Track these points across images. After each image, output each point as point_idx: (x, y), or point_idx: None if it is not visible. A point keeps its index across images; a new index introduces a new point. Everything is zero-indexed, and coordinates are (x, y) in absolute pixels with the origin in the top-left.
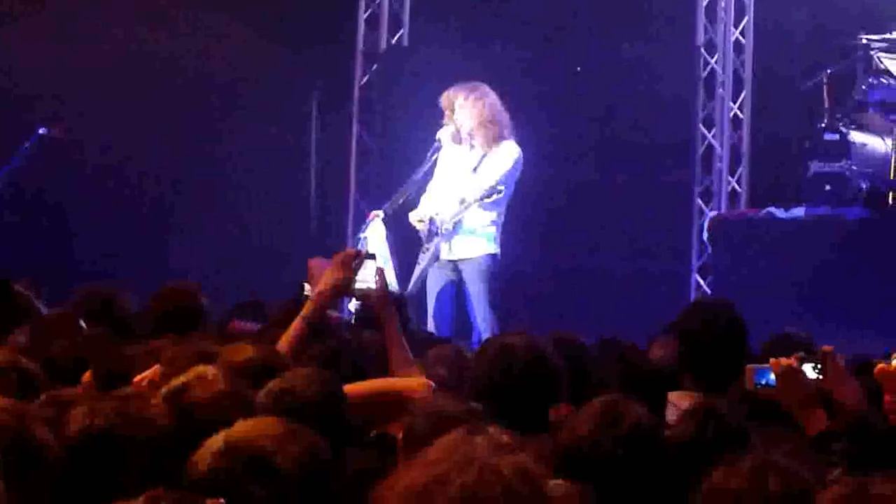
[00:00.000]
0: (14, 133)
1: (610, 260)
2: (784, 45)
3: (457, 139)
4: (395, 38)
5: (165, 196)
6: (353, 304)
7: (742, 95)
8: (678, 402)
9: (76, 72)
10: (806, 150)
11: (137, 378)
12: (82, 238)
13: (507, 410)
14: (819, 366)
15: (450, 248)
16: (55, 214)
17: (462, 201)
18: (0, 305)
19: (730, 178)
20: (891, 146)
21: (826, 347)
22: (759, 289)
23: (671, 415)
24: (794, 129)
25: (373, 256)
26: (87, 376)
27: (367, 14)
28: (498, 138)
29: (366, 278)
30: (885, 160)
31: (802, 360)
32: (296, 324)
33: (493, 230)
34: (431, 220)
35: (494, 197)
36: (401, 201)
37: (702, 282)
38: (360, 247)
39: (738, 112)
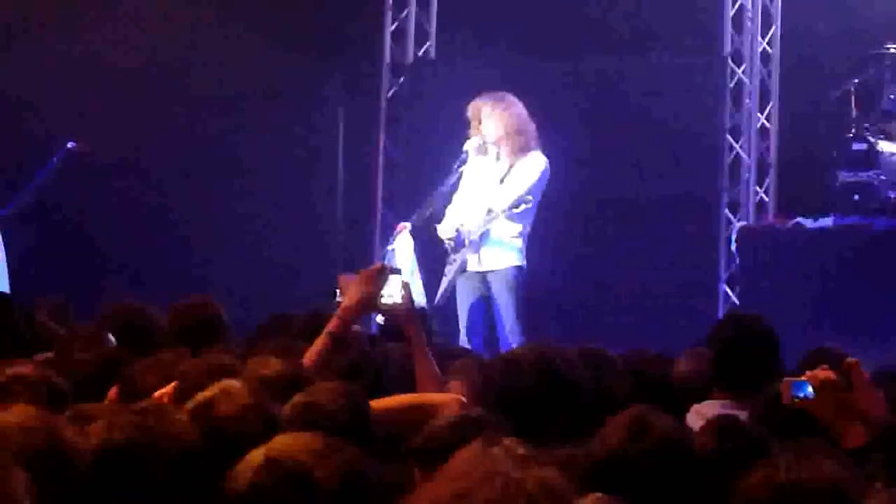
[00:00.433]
0: (39, 148)
1: (637, 271)
2: (811, 54)
3: (483, 150)
4: (422, 50)
5: (192, 209)
6: (379, 317)
7: (769, 105)
8: (707, 411)
9: (104, 88)
10: (833, 159)
11: (156, 394)
12: (108, 252)
13: (518, 422)
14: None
15: (478, 260)
16: (81, 228)
17: (489, 212)
18: (8, 327)
19: (757, 189)
20: None
21: (851, 360)
22: (787, 299)
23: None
24: (821, 139)
25: (398, 271)
26: (112, 392)
27: (393, 27)
28: (525, 149)
29: (391, 293)
30: None
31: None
32: (321, 338)
33: (519, 242)
34: (458, 232)
35: (522, 207)
36: (428, 213)
37: (730, 292)
38: (387, 259)
39: (766, 122)
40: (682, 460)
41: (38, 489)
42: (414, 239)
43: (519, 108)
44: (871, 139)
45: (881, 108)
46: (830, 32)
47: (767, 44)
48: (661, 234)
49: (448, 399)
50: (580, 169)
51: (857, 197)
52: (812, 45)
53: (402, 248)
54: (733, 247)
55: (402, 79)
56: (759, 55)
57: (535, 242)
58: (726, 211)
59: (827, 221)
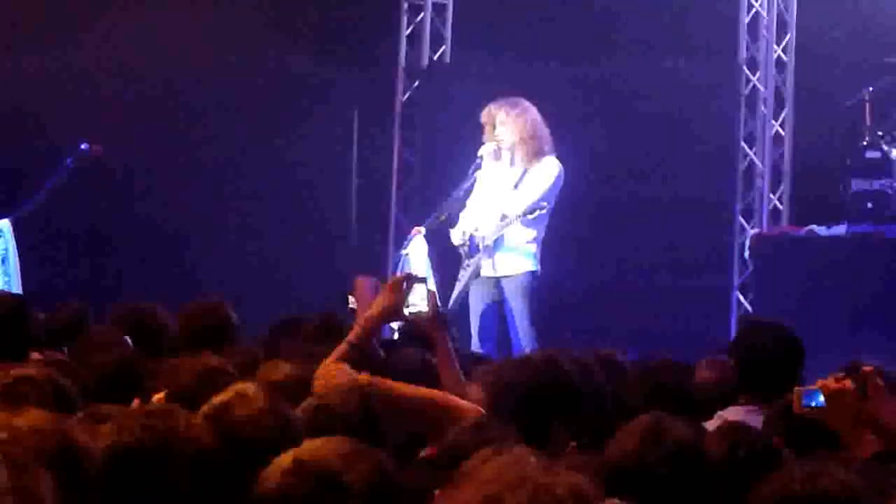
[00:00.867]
0: (51, 151)
1: (651, 277)
2: (826, 62)
3: (498, 155)
4: (437, 54)
5: (205, 212)
6: (396, 323)
7: (784, 113)
8: (732, 417)
9: (117, 90)
10: (847, 167)
11: (154, 398)
12: (120, 254)
13: (527, 427)
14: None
15: (492, 265)
16: (93, 230)
17: (503, 217)
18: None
19: (771, 196)
20: None
21: (866, 367)
22: (800, 306)
23: None
24: (835, 147)
25: (423, 280)
26: (137, 401)
27: (408, 31)
28: (539, 154)
29: (417, 302)
30: None
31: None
32: (341, 347)
33: (533, 247)
34: (472, 237)
35: (536, 213)
36: (442, 218)
37: (743, 299)
38: (401, 263)
39: (780, 129)
40: (696, 467)
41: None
42: (428, 243)
43: (533, 113)
44: (885, 147)
45: (895, 117)
46: (845, 40)
47: (782, 51)
48: (675, 241)
49: (470, 407)
50: (594, 174)
51: (870, 205)
52: (827, 53)
53: (417, 253)
54: (746, 254)
55: (417, 83)
56: (773, 62)
57: (548, 247)
58: (740, 218)
59: (840, 229)
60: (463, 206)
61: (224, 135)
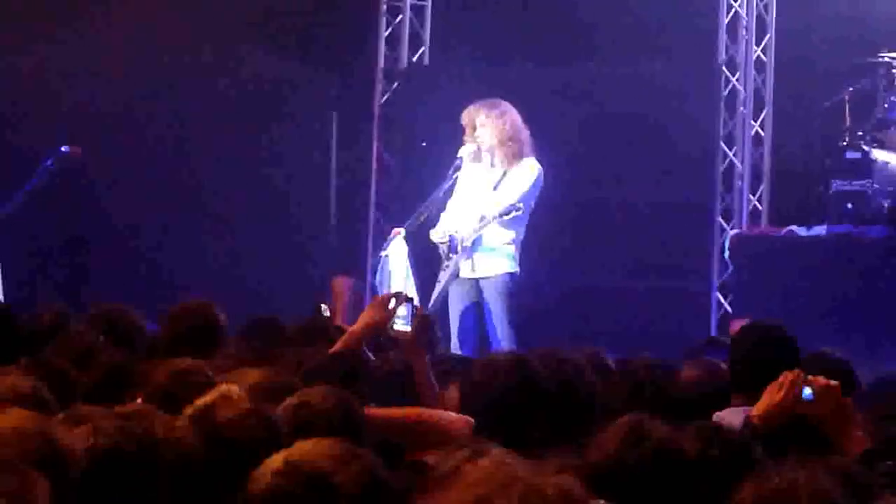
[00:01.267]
0: (31, 152)
1: (630, 278)
2: (805, 63)
3: (478, 156)
4: (416, 56)
5: (183, 213)
6: None
7: (763, 113)
8: (729, 418)
9: (96, 92)
10: (827, 168)
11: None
12: (99, 256)
13: (503, 429)
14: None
15: (471, 266)
16: (73, 232)
17: (481, 219)
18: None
19: (751, 197)
20: None
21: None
22: (780, 307)
23: None
24: (815, 148)
25: (411, 300)
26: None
27: (387, 32)
28: (518, 155)
29: (403, 320)
30: None
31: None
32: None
33: (512, 248)
34: (451, 237)
35: (513, 214)
36: (422, 219)
37: (723, 300)
38: (381, 264)
39: (760, 130)
40: (677, 468)
41: None
42: (408, 244)
43: (513, 115)
44: (866, 148)
45: (875, 117)
46: (825, 40)
47: (762, 52)
48: (655, 242)
49: (458, 420)
50: (573, 176)
51: (850, 205)
52: (806, 53)
53: (397, 254)
54: (726, 254)
55: (395, 84)
56: (753, 63)
57: (527, 249)
58: (719, 218)
59: (820, 230)
60: (443, 206)
61: (202, 137)
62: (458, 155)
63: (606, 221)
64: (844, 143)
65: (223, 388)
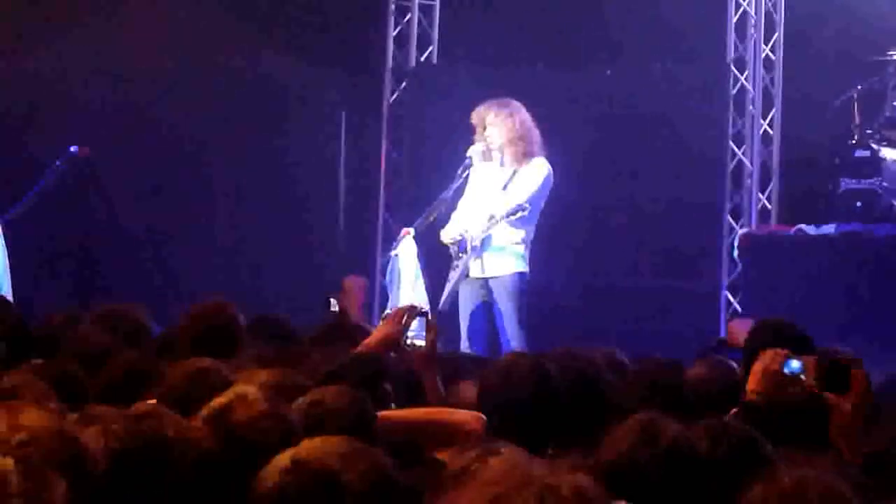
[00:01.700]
0: (42, 152)
1: (639, 277)
2: (814, 61)
3: (487, 156)
4: (424, 55)
5: (193, 214)
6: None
7: (772, 112)
8: None
9: (106, 93)
10: (836, 166)
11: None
12: (109, 256)
13: (518, 429)
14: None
15: (480, 266)
16: (83, 232)
17: (490, 218)
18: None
19: (760, 195)
20: None
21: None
22: (789, 306)
23: None
24: (824, 146)
25: (426, 314)
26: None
27: (396, 32)
28: (528, 155)
29: (417, 334)
30: None
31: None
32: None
33: (522, 248)
34: (461, 237)
35: (520, 215)
36: (431, 219)
37: (732, 299)
38: (390, 264)
39: (768, 129)
40: (690, 467)
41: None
42: (418, 244)
43: (523, 114)
44: (874, 146)
45: (884, 116)
46: (833, 39)
47: (770, 50)
48: (664, 241)
49: (471, 417)
50: (583, 175)
51: (859, 204)
52: (815, 52)
53: (406, 254)
54: (735, 253)
55: (404, 84)
56: (762, 62)
57: (537, 248)
58: (729, 217)
59: (829, 228)
60: (452, 205)
61: (211, 137)
62: (467, 154)
63: (615, 220)
64: (853, 142)
65: (239, 388)
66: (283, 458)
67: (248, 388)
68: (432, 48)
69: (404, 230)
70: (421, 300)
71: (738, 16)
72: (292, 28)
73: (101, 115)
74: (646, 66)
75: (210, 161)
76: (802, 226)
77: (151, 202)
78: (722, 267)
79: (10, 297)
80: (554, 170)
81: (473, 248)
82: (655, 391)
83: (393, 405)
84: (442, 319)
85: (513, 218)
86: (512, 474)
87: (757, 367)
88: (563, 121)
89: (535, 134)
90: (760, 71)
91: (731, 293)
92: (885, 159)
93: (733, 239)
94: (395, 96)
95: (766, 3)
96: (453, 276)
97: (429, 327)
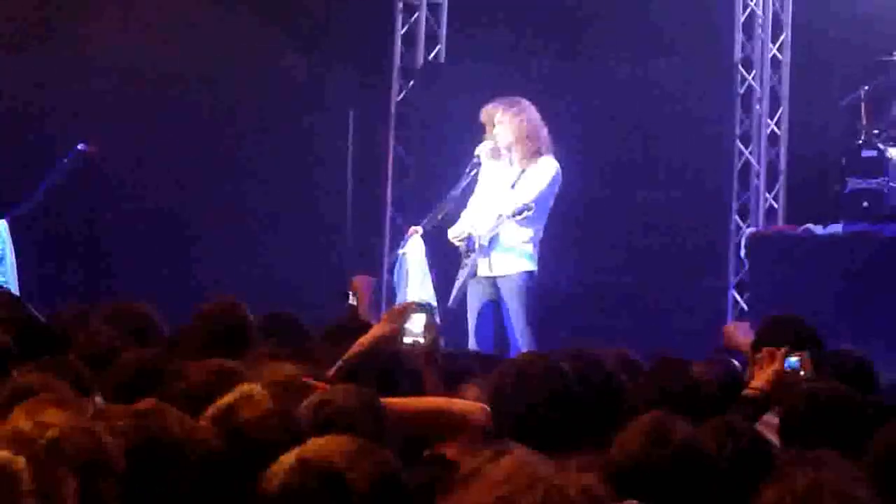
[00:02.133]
0: (49, 150)
1: (647, 276)
2: (821, 61)
3: (496, 154)
4: (432, 54)
5: (200, 211)
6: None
7: (779, 112)
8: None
9: (114, 89)
10: (843, 166)
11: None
12: (116, 254)
13: (530, 430)
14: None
15: (488, 265)
16: (90, 229)
17: (498, 217)
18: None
19: (767, 195)
20: None
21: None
22: (796, 305)
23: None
24: (831, 146)
25: (424, 309)
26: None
27: (403, 30)
28: (536, 154)
29: (415, 330)
30: None
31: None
32: (333, 369)
33: (530, 247)
34: (469, 236)
35: (525, 214)
36: (440, 217)
37: (739, 298)
38: (398, 263)
39: (776, 128)
40: (700, 467)
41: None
42: (425, 243)
43: (531, 113)
44: (881, 146)
45: (891, 115)
46: (841, 39)
47: (778, 50)
48: (671, 240)
49: (475, 408)
50: (590, 174)
51: (866, 204)
52: (822, 52)
53: (414, 252)
54: (742, 253)
55: (412, 82)
56: (769, 61)
57: (545, 247)
58: (736, 217)
59: (836, 228)
60: (460, 204)
61: (219, 135)
62: (475, 152)
63: (623, 219)
64: (860, 142)
65: (245, 387)
66: (290, 457)
67: (253, 387)
68: (440, 47)
69: (412, 229)
70: (429, 299)
71: (745, 15)
72: (300, 26)
73: (110, 111)
74: (653, 66)
75: (218, 159)
76: (809, 225)
77: (159, 200)
78: (729, 266)
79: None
80: (561, 168)
81: (481, 247)
82: (666, 391)
83: None
84: (450, 318)
85: (518, 218)
86: (519, 474)
87: (759, 365)
88: (570, 118)
89: (544, 132)
90: (768, 71)
91: (738, 292)
92: (892, 159)
93: (740, 238)
94: (402, 95)
95: (773, 3)
96: (462, 274)
97: (429, 324)
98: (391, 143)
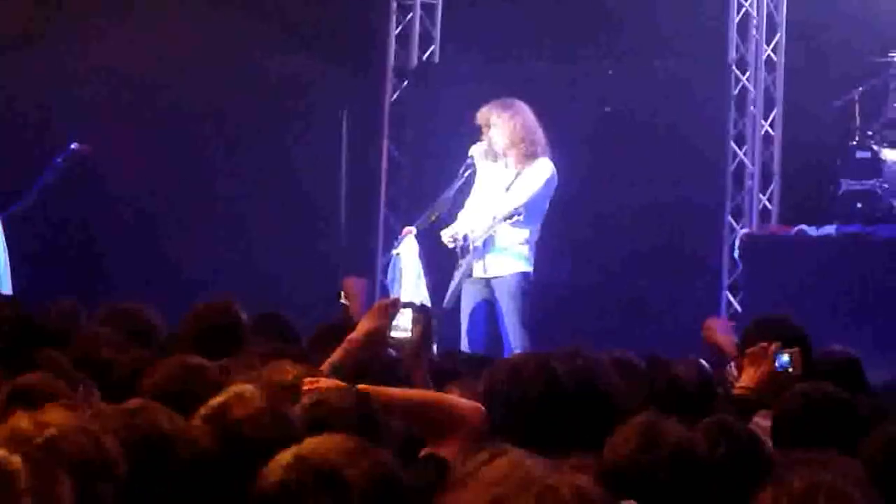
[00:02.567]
0: (42, 149)
1: (640, 277)
2: (816, 62)
3: (492, 156)
4: (426, 54)
5: (194, 211)
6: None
7: (773, 113)
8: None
9: (107, 89)
10: (837, 167)
11: None
12: (110, 254)
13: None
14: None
15: (483, 266)
16: (83, 229)
17: (493, 219)
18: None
19: (761, 196)
20: None
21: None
22: (789, 307)
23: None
24: (825, 147)
25: (410, 305)
26: None
27: (398, 30)
28: (531, 156)
29: (403, 326)
30: None
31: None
32: (323, 368)
33: (525, 249)
34: (465, 237)
35: (515, 219)
36: (433, 217)
37: (732, 299)
38: (392, 263)
39: (770, 129)
40: (693, 468)
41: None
42: (419, 243)
43: (525, 115)
44: (875, 148)
45: (886, 117)
46: (835, 40)
47: (772, 51)
48: (665, 241)
49: (470, 406)
50: (583, 175)
51: (860, 205)
52: (816, 53)
53: (408, 253)
54: (736, 254)
55: (405, 82)
56: (763, 62)
57: (539, 249)
58: (729, 218)
59: (830, 229)
60: (454, 204)
61: (213, 135)
62: (469, 153)
63: (616, 220)
64: (854, 143)
65: (238, 386)
66: (287, 455)
67: (246, 387)
68: (434, 47)
69: (406, 229)
70: (423, 299)
71: (739, 16)
72: (294, 26)
73: (104, 112)
74: (647, 66)
75: (211, 159)
76: (803, 227)
77: (153, 199)
78: (723, 267)
79: (9, 293)
80: (556, 169)
81: (476, 249)
82: (657, 392)
83: None
84: (445, 319)
85: (508, 222)
86: (512, 475)
87: (749, 364)
88: (564, 120)
89: (539, 134)
90: (762, 71)
91: (731, 294)
92: (885, 161)
93: (734, 239)
94: (396, 95)
95: (768, 4)
96: (457, 275)
97: (416, 320)
98: (385, 143)
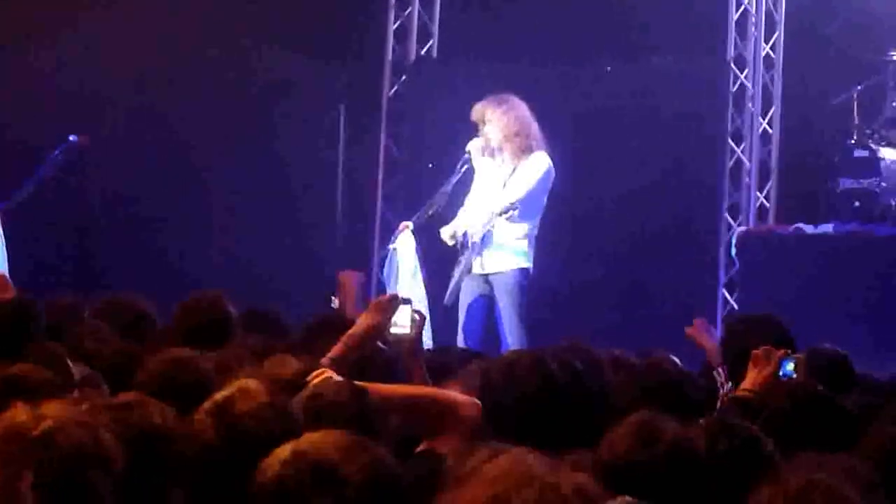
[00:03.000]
0: (40, 141)
1: (637, 274)
2: (814, 60)
3: (488, 152)
4: (424, 49)
5: (191, 206)
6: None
7: (771, 110)
8: None
9: (105, 83)
10: (835, 165)
11: None
12: (107, 247)
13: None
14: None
15: (481, 263)
16: (81, 221)
17: (490, 214)
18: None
19: (758, 194)
20: None
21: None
22: (786, 304)
23: None
24: (823, 145)
25: (409, 301)
26: None
27: (396, 25)
28: (527, 150)
29: (401, 322)
30: None
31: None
32: (323, 362)
33: (523, 244)
34: (464, 234)
35: (511, 213)
36: (430, 213)
37: (729, 297)
38: (389, 258)
39: (768, 127)
40: (690, 466)
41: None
42: (416, 238)
43: (521, 110)
44: (873, 146)
45: (884, 115)
46: (834, 38)
47: (771, 48)
48: (662, 238)
49: (466, 400)
50: (581, 171)
51: (857, 203)
52: (815, 51)
53: (404, 248)
54: (733, 251)
55: (403, 77)
56: (762, 60)
57: (537, 244)
58: (727, 215)
59: (827, 228)
60: (452, 200)
61: (210, 130)
62: (467, 149)
63: (614, 217)
64: (852, 141)
65: (241, 381)
66: (284, 450)
67: (249, 381)
68: (432, 42)
69: (403, 224)
70: (419, 294)
71: (738, 14)
72: (292, 21)
73: (100, 107)
74: (646, 63)
75: (208, 154)
76: (801, 224)
77: (149, 194)
78: (720, 265)
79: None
80: (553, 165)
81: (474, 245)
82: (654, 390)
83: None
84: (445, 315)
85: (504, 217)
86: (512, 473)
87: (752, 367)
88: (561, 116)
89: (534, 128)
90: (760, 69)
91: (728, 291)
92: (883, 159)
93: (731, 237)
94: (394, 90)
95: (766, 2)
96: (457, 271)
97: (413, 316)
98: (382, 138)
